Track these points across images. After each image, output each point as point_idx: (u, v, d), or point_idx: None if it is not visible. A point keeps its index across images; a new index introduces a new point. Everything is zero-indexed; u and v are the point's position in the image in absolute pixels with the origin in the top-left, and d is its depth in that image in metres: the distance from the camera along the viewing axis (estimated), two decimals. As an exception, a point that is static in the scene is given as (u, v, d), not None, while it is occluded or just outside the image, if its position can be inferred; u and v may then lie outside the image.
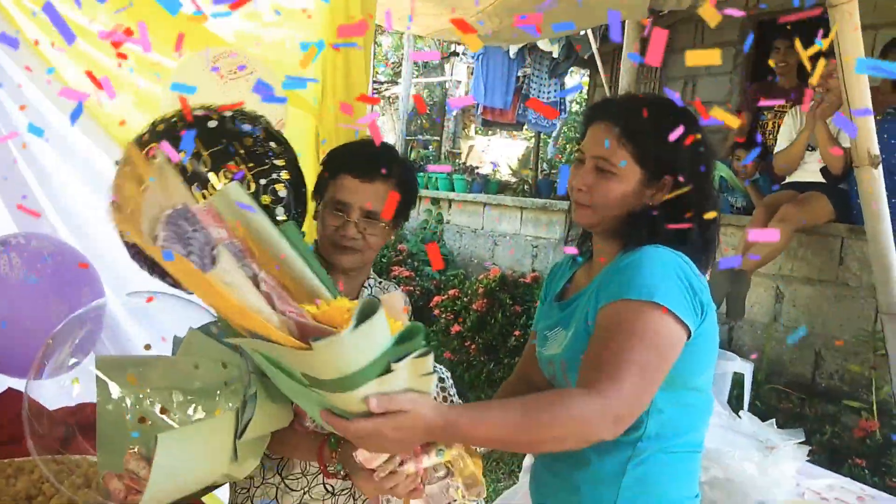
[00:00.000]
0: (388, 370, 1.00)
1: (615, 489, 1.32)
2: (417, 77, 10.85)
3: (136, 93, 2.22)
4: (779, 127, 4.58)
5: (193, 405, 1.20)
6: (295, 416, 1.27)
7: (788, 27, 5.19)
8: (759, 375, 4.06)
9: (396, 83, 10.07)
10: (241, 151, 1.44)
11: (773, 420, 2.26)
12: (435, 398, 1.19)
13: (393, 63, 12.11)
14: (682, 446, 1.37)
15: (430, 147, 10.15)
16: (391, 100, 11.60)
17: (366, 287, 1.67)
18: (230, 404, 1.14)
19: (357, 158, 1.58)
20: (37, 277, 1.84)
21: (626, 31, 5.61)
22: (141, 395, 1.20)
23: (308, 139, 2.46)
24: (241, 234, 1.09)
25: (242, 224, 1.09)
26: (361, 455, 1.11)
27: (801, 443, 2.09)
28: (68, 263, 1.99)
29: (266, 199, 1.47)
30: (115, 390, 1.28)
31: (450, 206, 7.46)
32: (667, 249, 1.31)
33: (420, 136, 10.48)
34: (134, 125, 2.33)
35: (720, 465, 1.95)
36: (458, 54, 8.78)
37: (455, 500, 1.23)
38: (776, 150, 4.33)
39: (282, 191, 1.50)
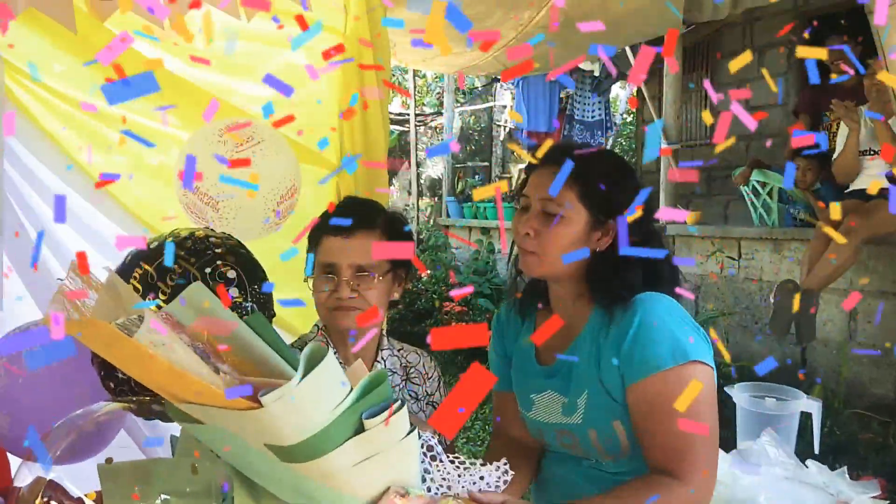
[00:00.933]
0: (361, 429, 0.95)
1: None
2: (462, 105, 10.83)
3: (146, 166, 2.23)
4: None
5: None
6: None
7: (843, 22, 4.92)
8: (836, 401, 3.78)
9: (441, 113, 10.07)
10: (181, 253, 1.48)
11: (845, 469, 2.04)
12: (425, 468, 1.13)
13: (438, 93, 12.15)
14: None
15: (478, 175, 10.08)
16: (437, 129, 11.61)
17: (379, 361, 1.58)
18: None
19: (336, 217, 1.52)
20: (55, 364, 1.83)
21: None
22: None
23: (329, 198, 2.41)
24: (205, 336, 1.01)
25: (204, 325, 1.02)
26: None
27: (876, 497, 1.88)
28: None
29: (216, 284, 1.49)
30: (115, 497, 1.23)
31: (500, 236, 7.36)
32: (663, 297, 1.33)
33: (469, 163, 10.43)
34: (146, 196, 2.35)
35: (786, 527, 1.77)
36: (497, 80, 8.72)
37: None
38: (834, 155, 4.07)
39: (230, 272, 1.52)
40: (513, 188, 9.59)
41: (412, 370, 1.57)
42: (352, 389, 0.95)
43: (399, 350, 1.62)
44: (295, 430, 0.90)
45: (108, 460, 1.24)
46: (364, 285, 1.47)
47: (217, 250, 1.53)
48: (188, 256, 1.48)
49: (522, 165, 12.19)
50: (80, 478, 1.48)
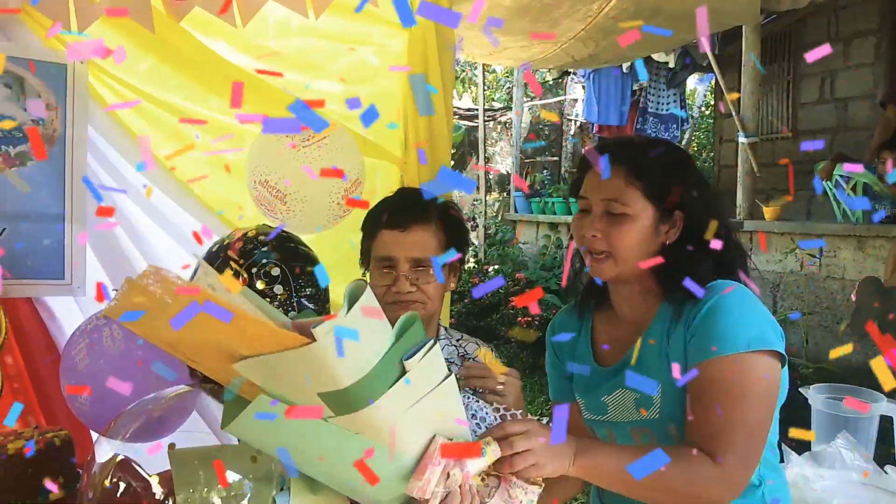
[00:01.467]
0: (402, 372, 0.98)
1: None
2: (533, 100, 10.75)
3: (224, 162, 2.31)
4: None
5: (247, 498, 1.17)
6: None
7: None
8: (923, 408, 3.58)
9: (510, 108, 10.02)
10: (233, 255, 1.56)
11: (929, 476, 1.94)
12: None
13: (508, 88, 12.09)
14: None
15: (546, 170, 9.98)
16: (506, 124, 11.56)
17: None
18: (262, 501, 1.10)
19: (392, 211, 1.52)
20: (135, 348, 1.92)
21: (744, 34, 5.25)
22: (198, 489, 1.20)
23: (393, 190, 2.45)
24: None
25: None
26: (414, 489, 1.05)
27: (962, 507, 1.77)
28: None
29: (261, 283, 1.56)
30: (185, 481, 1.29)
31: (568, 230, 7.28)
32: (737, 284, 1.29)
33: (538, 158, 10.35)
34: (224, 192, 2.44)
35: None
36: (569, 73, 8.60)
37: (521, 500, 1.13)
38: (927, 149, 3.85)
39: (274, 270, 1.57)
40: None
41: (469, 360, 1.57)
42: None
43: (458, 340, 1.62)
44: (347, 370, 0.92)
45: (171, 446, 1.30)
46: (423, 279, 1.47)
47: (263, 248, 1.58)
48: (238, 258, 1.53)
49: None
50: (149, 460, 1.55)
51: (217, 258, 1.61)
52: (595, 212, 1.34)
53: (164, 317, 0.84)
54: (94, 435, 1.95)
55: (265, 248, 1.60)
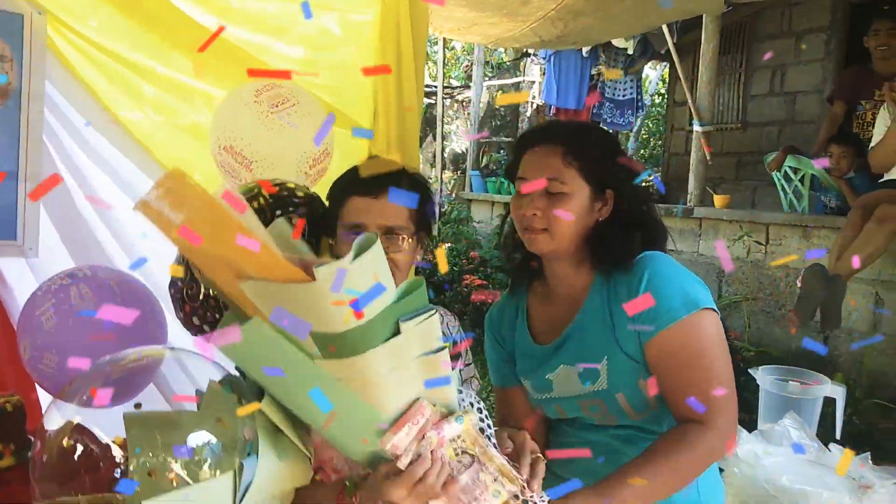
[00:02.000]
0: (396, 331, 1.00)
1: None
2: (491, 79, 10.74)
3: (180, 124, 2.24)
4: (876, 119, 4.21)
5: (208, 463, 1.14)
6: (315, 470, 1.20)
7: (886, 7, 4.79)
8: (858, 391, 3.75)
9: (469, 87, 9.98)
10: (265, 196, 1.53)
11: (868, 454, 2.04)
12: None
13: (466, 66, 12.05)
14: None
15: (503, 150, 10.02)
16: (464, 103, 11.53)
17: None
18: (227, 467, 1.08)
19: (362, 176, 1.45)
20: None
21: (704, 24, 5.34)
22: (156, 453, 1.16)
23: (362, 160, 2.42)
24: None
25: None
26: (388, 442, 1.05)
27: (901, 483, 1.87)
28: (134, 293, 2.00)
29: None
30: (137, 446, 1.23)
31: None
32: (662, 254, 1.41)
33: (494, 138, 10.36)
34: (181, 151, 2.37)
35: (807, 509, 1.78)
36: (529, 55, 8.61)
37: (488, 487, 1.13)
38: (871, 144, 3.99)
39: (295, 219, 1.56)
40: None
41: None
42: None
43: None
44: (341, 316, 0.94)
45: (138, 406, 1.26)
46: (393, 247, 1.42)
47: (296, 199, 1.56)
48: (271, 200, 1.53)
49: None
50: (109, 424, 1.51)
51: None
52: (535, 191, 1.40)
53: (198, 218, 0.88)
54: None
55: (296, 200, 1.59)
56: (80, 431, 1.62)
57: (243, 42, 2.35)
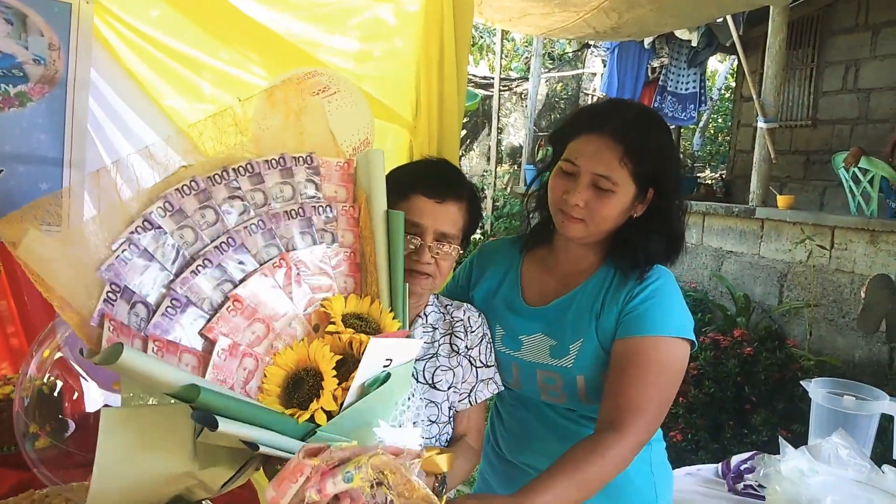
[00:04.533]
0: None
1: (649, 478, 1.52)
2: (550, 71, 10.58)
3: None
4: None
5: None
6: None
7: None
8: (924, 408, 3.54)
9: (527, 79, 9.86)
10: None
11: (927, 479, 1.91)
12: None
13: (527, 57, 11.90)
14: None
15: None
16: (522, 95, 11.41)
17: (421, 317, 1.52)
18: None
19: (430, 178, 1.47)
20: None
21: (771, 16, 5.12)
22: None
23: (401, 155, 2.40)
24: (361, 201, 1.13)
25: (366, 192, 1.13)
26: (269, 494, 0.93)
27: (959, 512, 1.74)
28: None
29: None
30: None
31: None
32: (671, 277, 1.44)
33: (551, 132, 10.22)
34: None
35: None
36: (589, 46, 8.45)
37: None
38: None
39: None
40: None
41: (457, 324, 1.53)
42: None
43: (446, 306, 1.58)
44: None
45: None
46: (442, 253, 1.43)
47: None
48: None
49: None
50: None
51: None
52: (582, 181, 1.38)
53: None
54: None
55: None
56: (60, 365, 1.63)
57: (295, 37, 2.35)
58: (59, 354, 1.63)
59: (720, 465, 2.50)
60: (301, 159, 1.15)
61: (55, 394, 1.75)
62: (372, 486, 0.95)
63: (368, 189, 1.17)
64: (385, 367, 1.03)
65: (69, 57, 1.89)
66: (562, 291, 1.51)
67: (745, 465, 2.37)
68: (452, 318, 1.54)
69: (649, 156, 1.37)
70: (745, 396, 4.13)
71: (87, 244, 0.99)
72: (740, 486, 2.27)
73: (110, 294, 0.95)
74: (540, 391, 1.53)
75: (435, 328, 1.52)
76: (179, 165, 1.10)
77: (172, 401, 0.92)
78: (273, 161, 1.13)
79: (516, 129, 11.82)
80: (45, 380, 1.74)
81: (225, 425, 0.89)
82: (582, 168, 1.38)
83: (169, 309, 0.98)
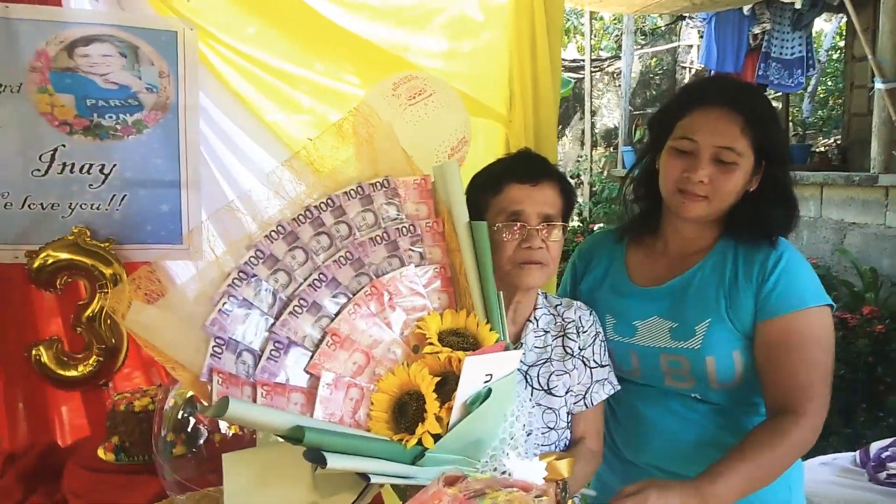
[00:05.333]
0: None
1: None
2: (643, 47, 10.24)
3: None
4: None
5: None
6: None
7: None
8: None
9: (619, 58, 9.58)
10: None
11: None
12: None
13: (617, 35, 11.57)
14: None
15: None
16: (614, 75, 11.10)
17: (532, 321, 1.48)
18: None
19: (520, 165, 1.48)
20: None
21: (885, -34, 4.74)
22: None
23: (497, 150, 2.37)
24: (444, 215, 1.15)
25: (446, 205, 1.15)
26: None
27: None
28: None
29: None
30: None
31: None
32: (793, 247, 1.41)
33: (648, 109, 9.89)
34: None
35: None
36: (684, 17, 8.10)
37: None
38: None
39: None
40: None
41: (569, 325, 1.49)
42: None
43: (556, 307, 1.53)
44: None
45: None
46: (551, 236, 1.40)
47: None
48: None
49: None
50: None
51: None
52: (703, 156, 1.35)
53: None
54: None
55: None
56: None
57: (385, 42, 2.37)
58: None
59: (858, 452, 2.35)
60: (378, 184, 1.19)
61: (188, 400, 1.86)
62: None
63: (448, 202, 1.19)
64: (486, 381, 1.03)
65: (178, 82, 1.98)
66: (676, 272, 1.48)
67: (886, 453, 2.21)
68: (563, 318, 1.50)
69: (767, 124, 1.36)
70: (878, 377, 3.90)
71: (187, 305, 1.05)
72: (883, 475, 2.12)
73: (216, 348, 1.01)
74: (664, 377, 1.49)
75: (546, 332, 1.49)
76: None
77: None
78: (351, 192, 1.18)
79: (609, 111, 11.52)
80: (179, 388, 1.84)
81: (333, 461, 0.92)
82: (701, 143, 1.35)
83: (273, 352, 1.03)
